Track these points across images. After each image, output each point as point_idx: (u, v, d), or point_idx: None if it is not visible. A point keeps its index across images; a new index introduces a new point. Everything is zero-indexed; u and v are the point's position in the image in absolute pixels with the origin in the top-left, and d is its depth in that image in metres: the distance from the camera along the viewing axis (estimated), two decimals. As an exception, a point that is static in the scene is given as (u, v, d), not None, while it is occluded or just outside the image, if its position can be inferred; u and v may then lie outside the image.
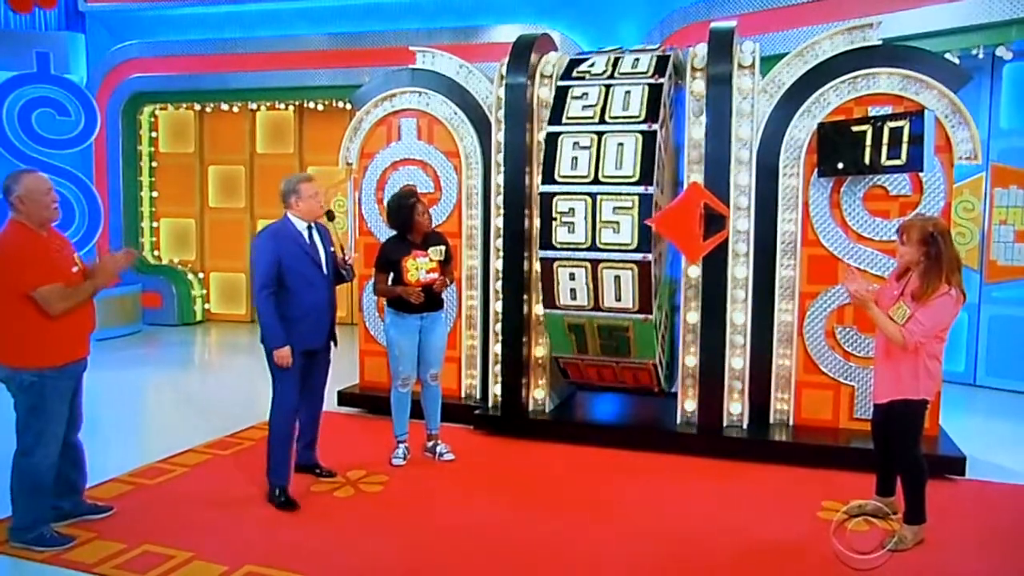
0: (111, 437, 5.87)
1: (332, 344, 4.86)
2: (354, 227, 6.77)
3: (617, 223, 5.34)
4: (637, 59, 5.73)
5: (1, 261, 3.87)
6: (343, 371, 6.99)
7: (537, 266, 5.67)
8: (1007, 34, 6.78)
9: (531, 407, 6.02)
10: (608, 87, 5.60)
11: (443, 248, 5.17)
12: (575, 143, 5.51)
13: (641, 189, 5.29)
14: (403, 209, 5.07)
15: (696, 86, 5.54)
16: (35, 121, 9.74)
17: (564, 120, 5.58)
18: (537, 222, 5.62)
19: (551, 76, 5.93)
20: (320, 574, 3.80)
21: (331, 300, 4.77)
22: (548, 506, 4.63)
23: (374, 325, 6.65)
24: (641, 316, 5.42)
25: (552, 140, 5.56)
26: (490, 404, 6.17)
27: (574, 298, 5.51)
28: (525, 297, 5.90)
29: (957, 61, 6.57)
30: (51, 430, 3.99)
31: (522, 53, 5.86)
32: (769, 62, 5.68)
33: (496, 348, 6.08)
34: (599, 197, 5.37)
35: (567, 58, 6.02)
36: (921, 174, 5.21)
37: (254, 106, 10.95)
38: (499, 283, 6.01)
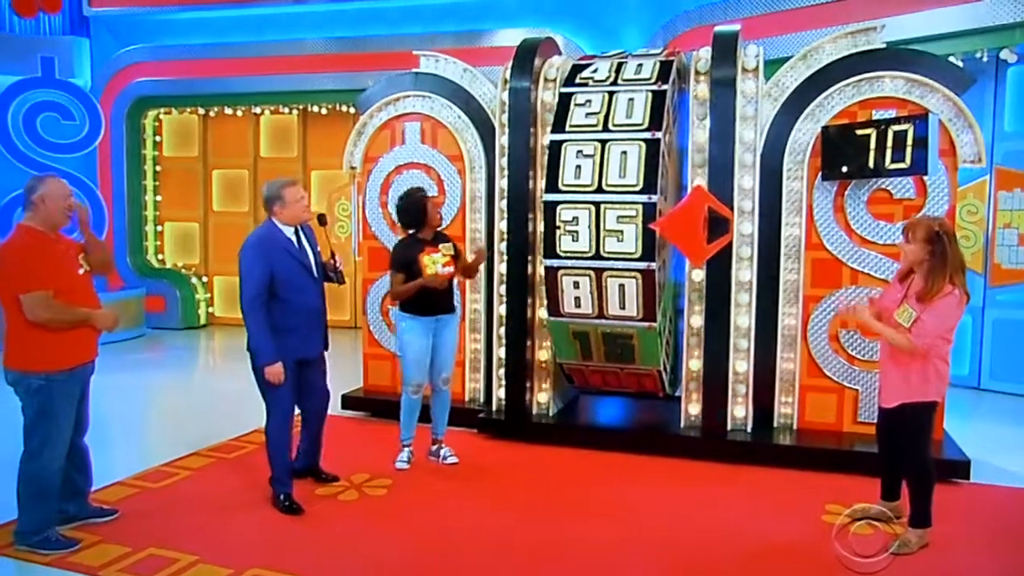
0: (115, 440, 5.88)
1: (324, 348, 4.84)
2: (357, 231, 6.77)
3: (621, 232, 5.34)
4: (640, 64, 5.73)
5: (10, 265, 3.89)
6: (347, 375, 7.01)
7: (541, 270, 5.68)
8: (1011, 37, 6.79)
9: (535, 411, 6.03)
10: (611, 94, 5.60)
11: (451, 244, 5.21)
12: (579, 151, 5.51)
13: (645, 198, 5.29)
14: (415, 204, 5.09)
15: (700, 90, 5.54)
16: (40, 125, 9.78)
17: (567, 128, 5.58)
18: (541, 226, 5.62)
19: (555, 80, 5.94)
20: (325, 578, 3.80)
21: (323, 305, 4.73)
22: (552, 510, 4.63)
23: (378, 328, 6.65)
24: (645, 324, 5.43)
25: (556, 148, 5.56)
26: (494, 408, 6.17)
27: (578, 306, 5.51)
28: (529, 301, 5.91)
29: (961, 64, 6.56)
30: (58, 433, 4.00)
31: (526, 57, 5.87)
32: (773, 66, 5.69)
33: (500, 352, 6.08)
34: (603, 206, 5.37)
35: (571, 62, 6.03)
36: (925, 177, 5.21)
37: (258, 110, 10.98)
38: (503, 287, 6.02)
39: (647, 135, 5.39)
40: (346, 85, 9.80)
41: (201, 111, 11.15)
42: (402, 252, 5.10)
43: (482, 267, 6.24)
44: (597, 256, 5.40)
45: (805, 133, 5.45)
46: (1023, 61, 7.11)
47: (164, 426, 6.90)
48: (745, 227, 5.49)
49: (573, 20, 9.91)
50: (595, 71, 5.79)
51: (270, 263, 4.41)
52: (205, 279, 11.41)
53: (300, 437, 4.97)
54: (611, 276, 5.38)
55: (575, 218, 5.43)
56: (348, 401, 6.61)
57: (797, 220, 5.52)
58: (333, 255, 4.86)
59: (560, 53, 6.41)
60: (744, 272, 5.52)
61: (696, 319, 5.61)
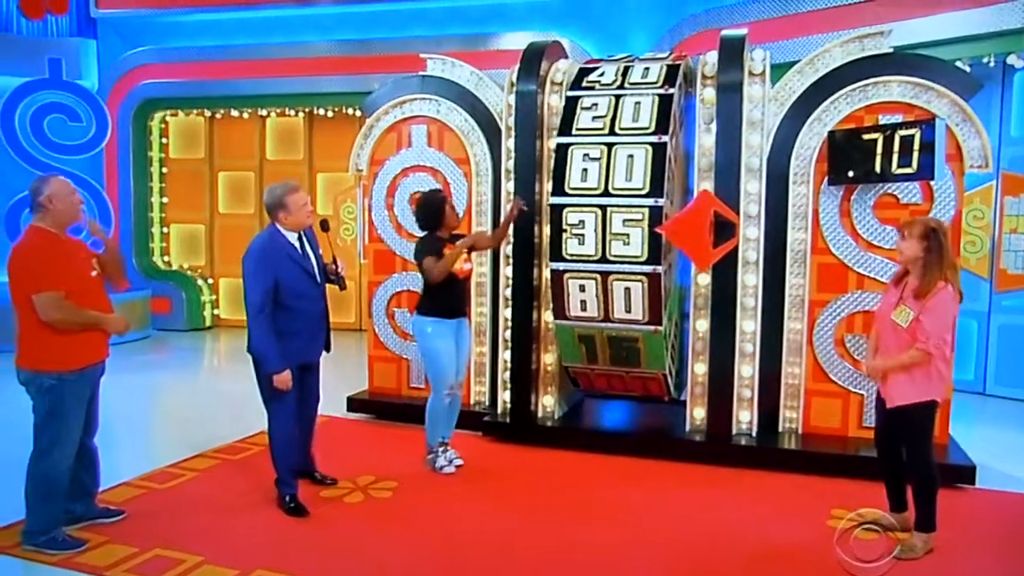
0: (122, 441, 5.89)
1: (325, 350, 4.86)
2: (363, 234, 6.78)
3: (627, 235, 5.35)
4: (647, 68, 5.74)
5: (22, 266, 3.92)
6: (352, 377, 7.02)
7: (547, 274, 5.69)
8: (1018, 42, 6.79)
9: (540, 414, 6.03)
10: (618, 97, 5.61)
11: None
12: (585, 154, 5.51)
13: (651, 202, 5.29)
14: (434, 204, 5.16)
15: (707, 94, 5.55)
16: (47, 127, 9.83)
17: (574, 131, 5.58)
18: (547, 230, 5.63)
19: (561, 84, 5.95)
20: (330, 580, 3.81)
21: (325, 309, 4.75)
22: (557, 513, 4.63)
23: (383, 331, 6.66)
24: (651, 328, 5.43)
25: (562, 151, 5.57)
26: (499, 411, 6.17)
27: (584, 309, 5.52)
28: (535, 304, 5.91)
29: (968, 69, 6.57)
30: (68, 433, 4.01)
31: (532, 60, 5.88)
32: (780, 70, 5.68)
33: (505, 355, 6.08)
34: (609, 209, 5.38)
35: (577, 66, 6.03)
36: (932, 182, 5.20)
37: (264, 112, 11.01)
38: (508, 290, 6.02)
39: (654, 139, 5.40)
40: (352, 88, 9.85)
41: (207, 113, 11.19)
42: (429, 243, 5.13)
43: (487, 272, 6.27)
44: (603, 259, 5.40)
45: (812, 137, 5.44)
46: (1030, 66, 7.11)
47: (170, 427, 6.91)
48: (751, 232, 5.49)
49: (580, 24, 9.92)
50: (602, 75, 5.80)
51: (274, 271, 4.42)
52: (211, 281, 11.43)
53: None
54: (617, 279, 5.39)
55: (581, 221, 5.44)
56: (353, 403, 6.60)
57: (803, 225, 5.52)
58: (335, 259, 4.88)
59: (567, 57, 6.42)
60: (750, 277, 5.52)
61: (702, 323, 5.61)
